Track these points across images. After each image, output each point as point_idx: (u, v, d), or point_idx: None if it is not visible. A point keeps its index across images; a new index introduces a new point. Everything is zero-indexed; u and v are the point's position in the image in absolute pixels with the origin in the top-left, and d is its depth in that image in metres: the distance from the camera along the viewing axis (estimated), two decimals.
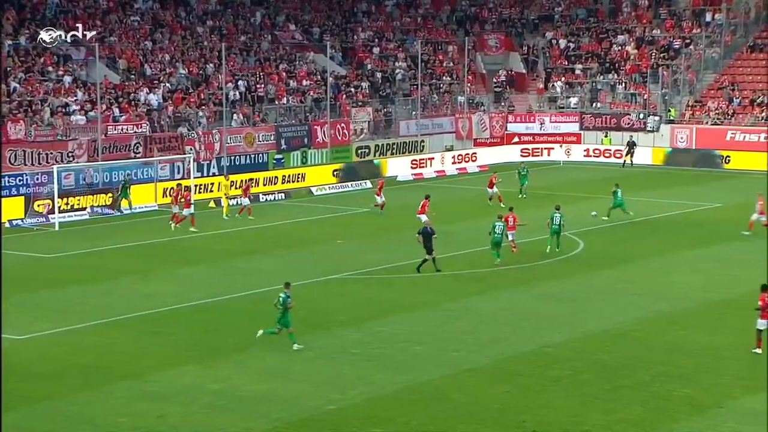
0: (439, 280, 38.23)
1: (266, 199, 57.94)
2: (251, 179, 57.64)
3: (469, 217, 50.76)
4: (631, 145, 71.66)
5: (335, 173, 63.94)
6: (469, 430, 23.67)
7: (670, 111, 74.75)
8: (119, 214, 53.26)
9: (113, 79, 62.14)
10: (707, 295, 36.29)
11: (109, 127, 57.46)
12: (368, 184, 62.72)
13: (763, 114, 71.50)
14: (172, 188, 54.06)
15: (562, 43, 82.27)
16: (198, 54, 68.52)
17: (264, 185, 59.92)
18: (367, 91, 73.33)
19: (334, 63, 73.91)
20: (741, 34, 78.84)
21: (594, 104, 77.79)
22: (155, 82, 63.79)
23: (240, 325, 32.14)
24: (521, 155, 72.88)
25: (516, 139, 76.25)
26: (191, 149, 59.66)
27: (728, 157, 69.61)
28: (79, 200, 52.81)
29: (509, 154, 73.83)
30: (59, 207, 50.82)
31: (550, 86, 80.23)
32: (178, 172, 58.49)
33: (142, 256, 43.20)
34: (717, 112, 73.16)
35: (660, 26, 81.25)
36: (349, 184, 63.11)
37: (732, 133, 71.03)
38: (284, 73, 70.56)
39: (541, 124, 76.98)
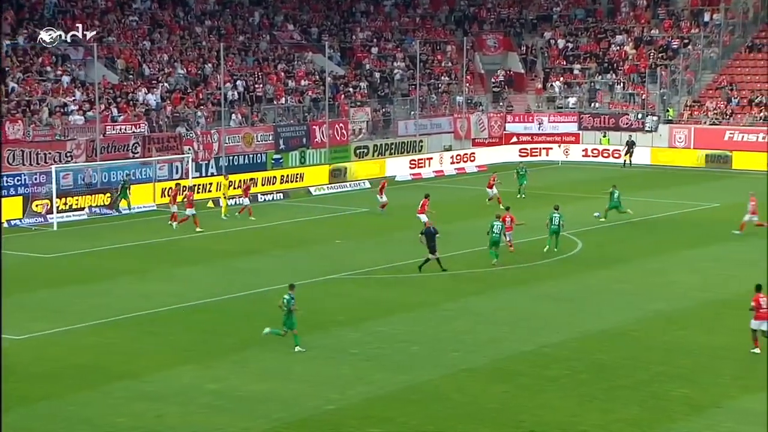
0: (437, 280, 38.22)
1: (265, 199, 57.92)
2: (251, 179, 57.62)
3: (467, 217, 50.74)
4: (630, 145, 71.67)
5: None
6: (468, 430, 23.67)
7: (668, 111, 74.77)
8: (117, 214, 53.25)
9: (111, 79, 62.13)
10: (705, 294, 36.30)
11: (107, 127, 57.45)
12: (367, 183, 62.80)
13: (762, 114, 71.51)
14: (170, 188, 54.06)
15: (561, 43, 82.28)
16: (196, 54, 68.51)
17: (262, 185, 59.89)
18: (366, 91, 73.34)
19: (332, 63, 73.90)
20: (739, 34, 78.85)
21: (592, 104, 77.79)
22: (153, 82, 63.79)
23: (238, 325, 32.14)
24: (520, 155, 72.85)
25: (514, 139, 76.24)
26: (189, 149, 59.64)
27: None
28: (77, 200, 52.78)
29: (508, 154, 73.79)
30: (57, 207, 50.79)
31: (548, 86, 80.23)
32: (177, 172, 58.47)
33: (140, 256, 43.19)
34: (715, 112, 73.18)
35: (658, 26, 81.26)
36: (347, 184, 63.04)
37: (730, 133, 71.05)
38: (283, 73, 70.55)
39: (540, 124, 76.97)
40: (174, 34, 69.37)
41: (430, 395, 25.86)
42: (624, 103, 77.02)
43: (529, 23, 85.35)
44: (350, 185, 62.96)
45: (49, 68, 60.20)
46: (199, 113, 62.88)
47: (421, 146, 72.41)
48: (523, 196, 56.93)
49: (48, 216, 50.64)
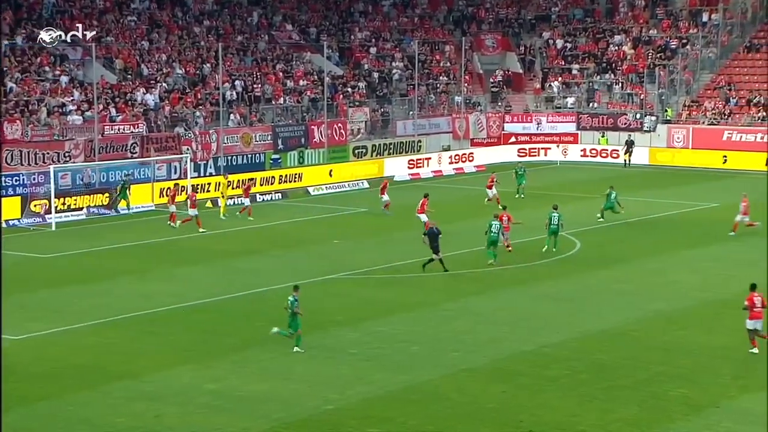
0: (437, 279, 38.22)
1: (263, 199, 57.88)
2: (251, 179, 57.61)
3: (466, 217, 50.74)
4: (630, 144, 71.70)
5: None
6: (468, 430, 23.68)
7: (666, 111, 74.77)
8: (116, 214, 53.22)
9: (110, 79, 62.11)
10: (704, 294, 36.33)
11: (105, 127, 57.41)
12: (365, 183, 62.81)
13: (760, 114, 71.54)
14: (168, 188, 54.03)
15: (559, 43, 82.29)
16: (195, 54, 68.48)
17: (261, 185, 59.84)
18: (364, 91, 73.31)
19: (331, 63, 73.88)
20: (737, 34, 78.87)
21: (591, 104, 77.79)
22: (152, 82, 63.75)
23: (237, 325, 32.14)
24: (518, 155, 72.84)
25: (513, 139, 76.24)
26: (188, 149, 59.61)
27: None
28: (75, 200, 52.76)
29: (506, 154, 73.77)
30: (56, 207, 50.76)
31: (547, 86, 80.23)
32: (175, 172, 58.45)
33: (139, 256, 43.17)
34: (714, 112, 73.19)
35: (657, 26, 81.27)
36: (345, 184, 63.03)
37: (729, 133, 71.05)
38: (281, 73, 70.51)
39: (538, 124, 76.97)
40: (172, 34, 69.33)
41: (430, 395, 25.86)
42: (622, 103, 77.02)
43: (527, 23, 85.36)
44: (348, 185, 62.90)
45: (47, 68, 60.16)
46: (198, 113, 62.86)
47: (420, 146, 72.40)
48: (522, 196, 56.95)
49: (46, 216, 50.61)
